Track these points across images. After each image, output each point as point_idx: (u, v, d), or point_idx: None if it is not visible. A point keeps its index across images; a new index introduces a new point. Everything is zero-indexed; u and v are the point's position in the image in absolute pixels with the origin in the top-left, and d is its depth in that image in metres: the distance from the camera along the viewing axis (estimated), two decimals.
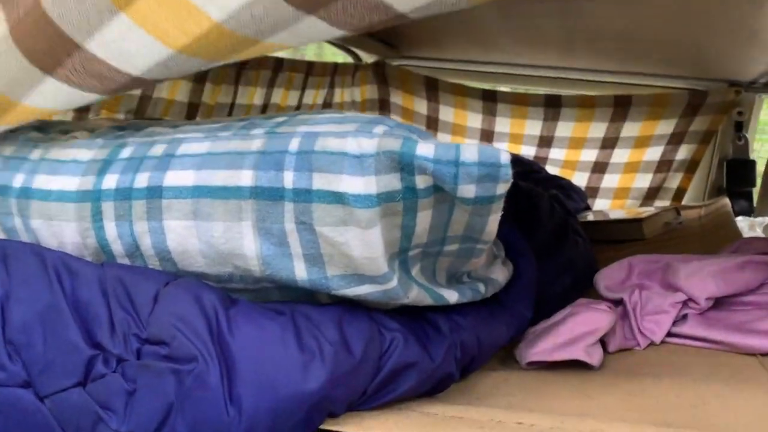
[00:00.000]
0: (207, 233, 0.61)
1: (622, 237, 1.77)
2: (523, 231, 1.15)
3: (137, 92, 1.45)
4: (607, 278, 0.98)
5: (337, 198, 0.57)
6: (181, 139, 0.65)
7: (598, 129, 2.11)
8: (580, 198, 2.00)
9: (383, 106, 2.36)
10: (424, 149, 0.56)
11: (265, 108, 1.85)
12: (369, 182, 0.56)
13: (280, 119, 0.67)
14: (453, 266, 0.72)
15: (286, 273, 0.61)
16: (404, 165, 0.57)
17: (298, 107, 1.99)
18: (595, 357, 0.81)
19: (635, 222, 1.76)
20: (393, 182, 0.57)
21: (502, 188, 0.58)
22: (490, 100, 2.19)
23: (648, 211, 1.87)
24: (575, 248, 1.37)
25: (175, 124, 0.74)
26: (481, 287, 0.77)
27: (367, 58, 2.31)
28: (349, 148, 0.57)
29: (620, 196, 2.17)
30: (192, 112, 1.61)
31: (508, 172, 0.56)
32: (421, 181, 0.58)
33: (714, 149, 2.11)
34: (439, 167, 0.55)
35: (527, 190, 1.34)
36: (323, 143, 0.59)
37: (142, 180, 0.63)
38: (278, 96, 1.89)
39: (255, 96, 1.80)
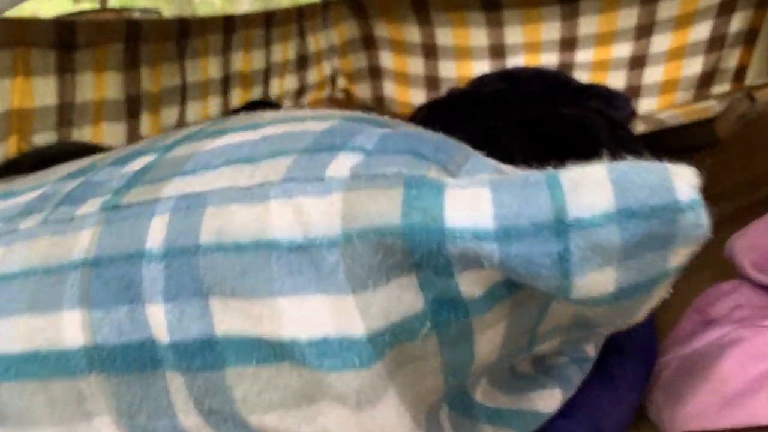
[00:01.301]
0: None
1: (688, 145, 1.41)
2: None
3: (52, 101, 1.10)
4: (751, 248, 0.63)
5: (279, 353, 0.23)
6: None
7: (628, 17, 1.71)
8: (625, 104, 1.63)
9: (369, 44, 1.97)
10: (464, 212, 0.21)
11: (226, 80, 1.49)
12: (341, 310, 0.22)
13: (149, 157, 0.32)
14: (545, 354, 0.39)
15: None
16: (423, 255, 0.22)
17: (267, 70, 1.62)
18: None
19: (703, 124, 1.40)
20: (402, 299, 0.23)
21: (683, 255, 0.24)
22: (493, 8, 1.80)
23: (709, 104, 1.50)
24: None
25: None
26: (590, 349, 0.43)
27: None
28: (278, 230, 0.23)
29: (668, 90, 1.78)
30: (134, 109, 1.26)
31: (699, 220, 0.22)
32: (474, 284, 0.23)
33: None
34: (516, 250, 0.21)
35: (578, 120, 0.98)
36: (218, 224, 0.25)
37: None
38: (239, 61, 1.52)
39: (209, 68, 1.43)
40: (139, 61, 1.23)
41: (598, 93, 1.63)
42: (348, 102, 2.00)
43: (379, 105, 2.04)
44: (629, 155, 1.03)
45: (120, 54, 1.20)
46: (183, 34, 1.32)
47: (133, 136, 1.27)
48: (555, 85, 1.64)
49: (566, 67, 1.82)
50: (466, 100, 1.52)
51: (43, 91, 1.07)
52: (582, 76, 1.77)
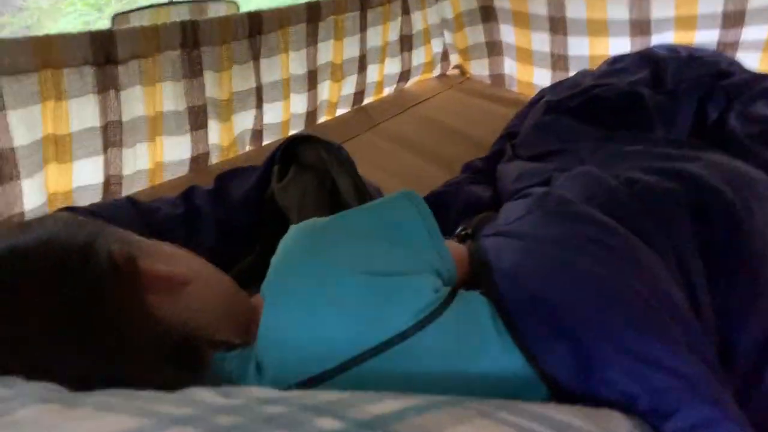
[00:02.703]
0: None
1: None
2: None
3: (93, 122, 0.94)
4: None
5: None
6: None
7: None
8: None
9: (487, 17, 1.66)
10: None
11: (313, 75, 1.27)
12: None
13: None
14: None
15: None
16: None
17: (362, 57, 1.38)
18: None
19: None
20: None
21: None
22: None
23: None
24: None
25: None
26: None
27: None
28: None
29: None
30: (198, 120, 1.08)
31: None
32: None
33: None
34: None
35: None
36: None
37: None
38: (328, 51, 1.30)
39: (291, 64, 1.22)
40: (199, 66, 1.04)
41: (766, 90, 1.23)
42: (463, 80, 1.72)
43: (497, 83, 1.74)
44: None
45: (176, 62, 1.01)
46: (254, 31, 1.11)
47: (201, 147, 1.10)
48: (710, 75, 1.26)
49: (728, 47, 1.41)
50: (593, 100, 1.19)
51: (82, 113, 0.92)
52: (749, 60, 1.37)
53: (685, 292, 0.56)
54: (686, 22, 1.43)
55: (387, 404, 0.34)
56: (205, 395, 0.34)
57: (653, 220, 0.63)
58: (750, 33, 1.38)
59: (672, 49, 1.38)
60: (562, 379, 0.49)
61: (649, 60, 1.36)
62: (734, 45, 1.40)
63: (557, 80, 1.53)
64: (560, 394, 0.50)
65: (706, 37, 1.42)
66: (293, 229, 0.57)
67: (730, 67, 1.31)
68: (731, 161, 0.77)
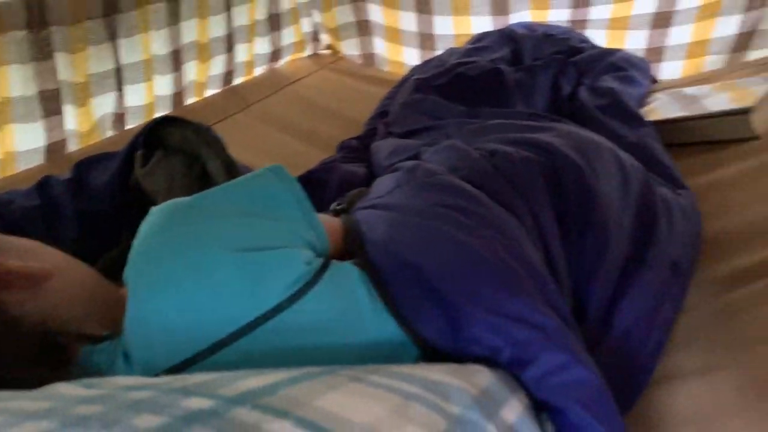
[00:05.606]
0: None
1: (718, 137, 1.13)
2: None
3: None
4: None
5: None
6: None
7: None
8: (643, 74, 1.33)
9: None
10: None
11: (177, 55, 1.22)
12: None
13: None
14: None
15: None
16: None
17: (229, 36, 1.34)
18: None
19: (737, 115, 1.11)
20: None
21: None
22: None
23: (751, 86, 1.19)
24: (671, 230, 0.76)
25: None
26: None
27: None
28: None
29: (695, 53, 1.47)
30: (51, 105, 1.00)
31: None
32: None
33: None
34: None
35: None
36: None
37: None
38: (192, 30, 1.24)
39: (153, 44, 1.16)
40: (50, 49, 0.97)
41: (614, 63, 1.31)
42: (335, 60, 1.71)
43: (369, 63, 1.75)
44: (648, 203, 0.77)
45: (22, 43, 0.93)
46: (110, 10, 1.04)
47: (56, 134, 1.03)
48: (563, 52, 1.34)
49: (578, 24, 1.50)
50: (458, 78, 1.23)
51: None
52: (596, 35, 1.47)
53: (542, 252, 0.60)
54: (540, 2, 1.51)
55: (259, 379, 0.34)
56: (64, 389, 0.32)
57: (512, 186, 0.67)
58: (595, 12, 1.48)
59: (529, 27, 1.45)
60: (433, 339, 0.51)
61: (509, 38, 1.43)
62: (583, 23, 1.49)
63: (426, 58, 1.57)
64: (432, 354, 0.52)
65: (559, 16, 1.50)
66: (154, 210, 0.54)
67: (581, 43, 1.40)
68: (581, 130, 0.83)
